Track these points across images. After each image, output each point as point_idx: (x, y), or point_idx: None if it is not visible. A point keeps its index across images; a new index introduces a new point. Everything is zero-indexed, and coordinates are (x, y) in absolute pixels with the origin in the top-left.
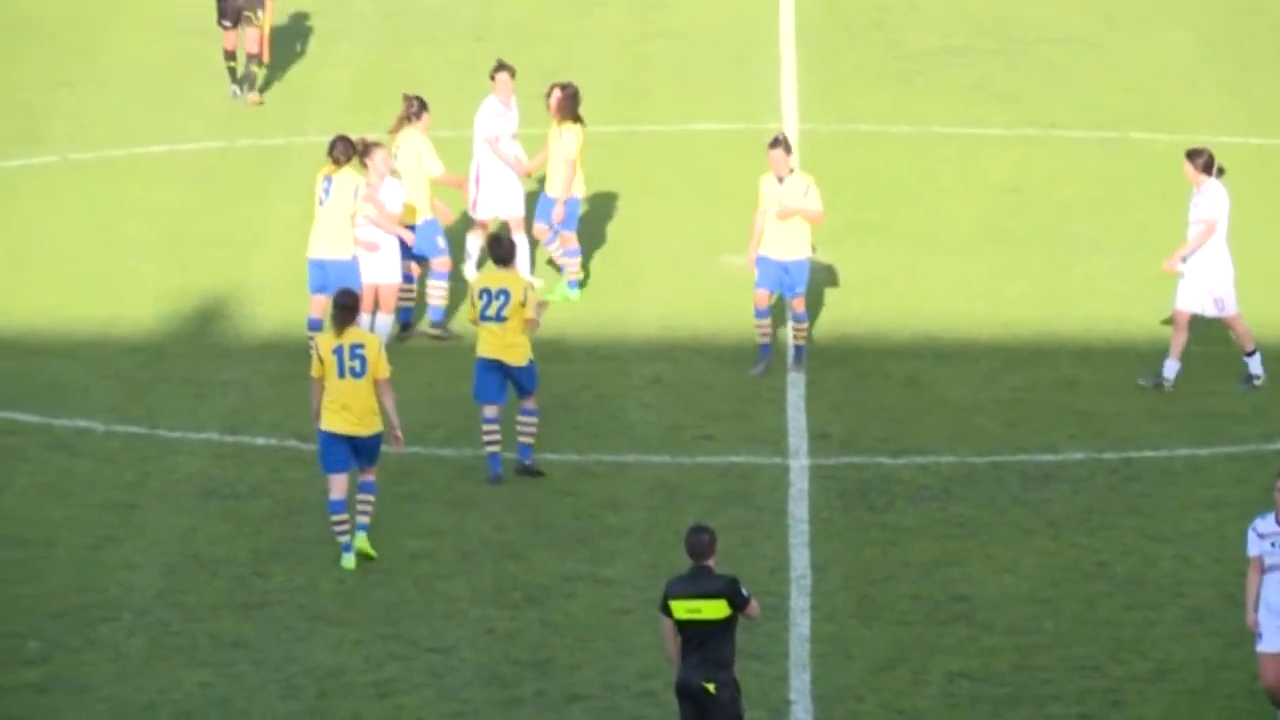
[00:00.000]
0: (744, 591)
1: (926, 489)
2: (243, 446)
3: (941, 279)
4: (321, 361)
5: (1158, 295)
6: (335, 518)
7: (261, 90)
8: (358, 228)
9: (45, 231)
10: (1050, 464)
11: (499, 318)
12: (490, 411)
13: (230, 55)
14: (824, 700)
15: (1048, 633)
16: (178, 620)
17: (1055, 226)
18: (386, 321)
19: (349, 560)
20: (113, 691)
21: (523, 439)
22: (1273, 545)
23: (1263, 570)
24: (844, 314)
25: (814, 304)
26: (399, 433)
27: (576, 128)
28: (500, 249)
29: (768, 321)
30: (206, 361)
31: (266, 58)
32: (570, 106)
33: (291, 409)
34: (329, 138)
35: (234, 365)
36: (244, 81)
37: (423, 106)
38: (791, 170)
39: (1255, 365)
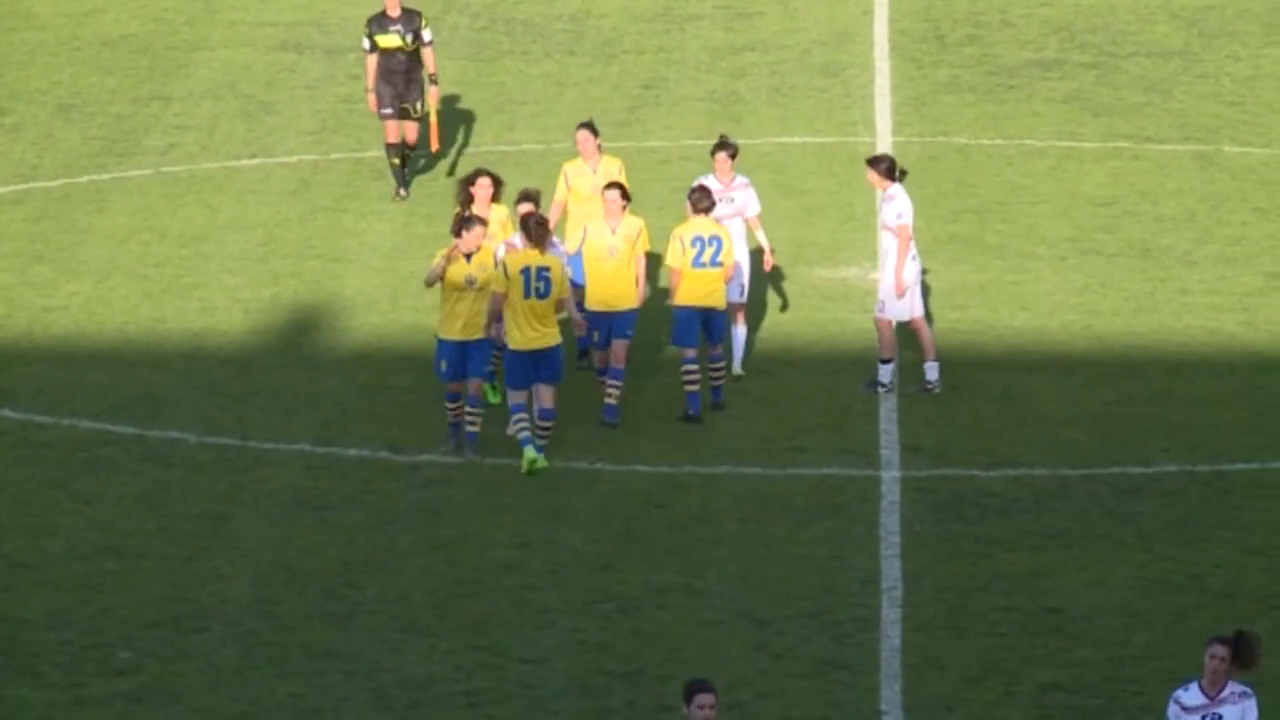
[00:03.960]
0: None
1: (1018, 501)
2: (334, 458)
3: (1034, 292)
4: (508, 279)
5: (1251, 308)
6: (516, 416)
7: (410, 187)
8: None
9: (138, 244)
10: (1143, 476)
11: (714, 263)
12: (691, 354)
13: (394, 149)
14: (915, 711)
15: (1139, 645)
16: (269, 631)
17: (1148, 239)
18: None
19: (530, 452)
20: (204, 702)
21: (717, 382)
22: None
23: None
24: (937, 326)
25: None
26: (577, 319)
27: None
28: (705, 198)
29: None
30: (298, 373)
31: (435, 145)
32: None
33: (384, 420)
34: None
35: (326, 377)
36: (408, 178)
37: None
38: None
39: (885, 374)
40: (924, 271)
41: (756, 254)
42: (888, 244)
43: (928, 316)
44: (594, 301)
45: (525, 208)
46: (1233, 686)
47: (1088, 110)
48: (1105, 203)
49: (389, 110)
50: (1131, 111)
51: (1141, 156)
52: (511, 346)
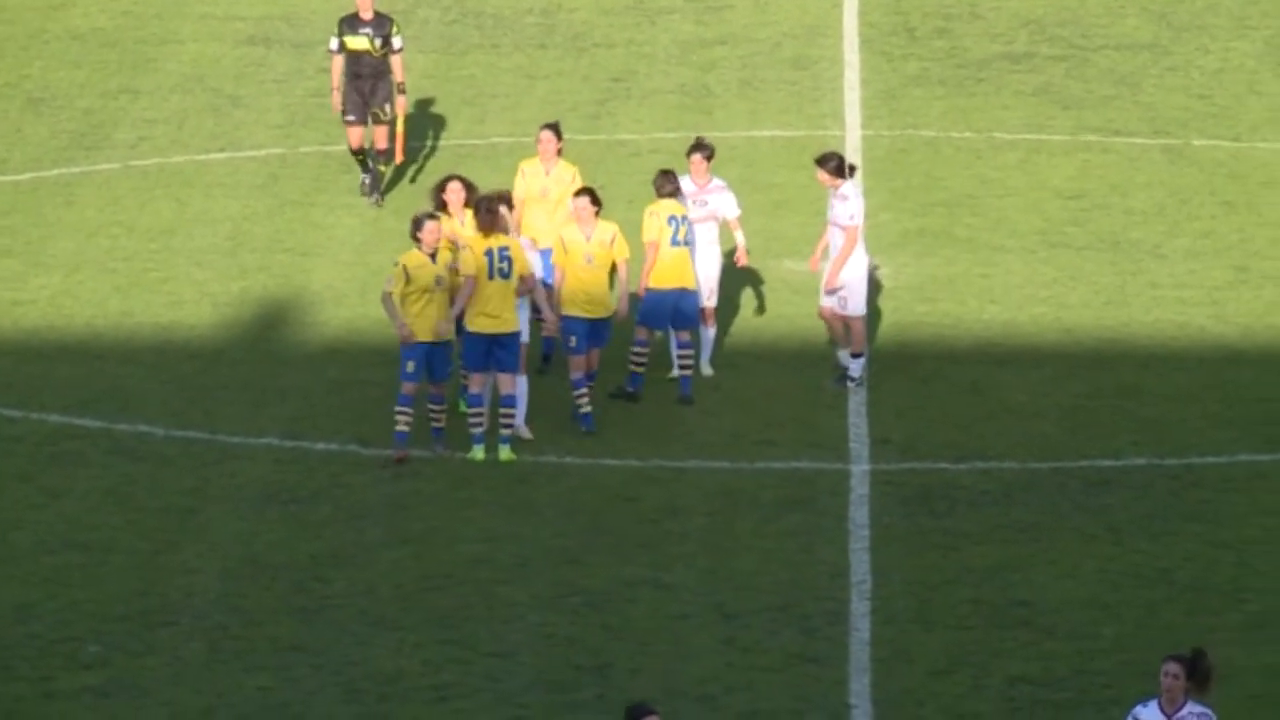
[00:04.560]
0: None
1: (988, 494)
2: (303, 452)
3: (1004, 285)
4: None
5: (1220, 302)
6: (472, 410)
7: (379, 190)
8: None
9: (107, 237)
10: (1112, 470)
11: (688, 242)
12: (645, 335)
13: (357, 153)
14: (884, 704)
15: (1108, 638)
16: (237, 625)
17: (1118, 233)
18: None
19: (478, 452)
20: (172, 695)
21: (686, 370)
22: None
23: None
24: (906, 319)
25: (876, 310)
26: (549, 316)
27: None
28: (668, 183)
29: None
30: (266, 367)
31: (400, 157)
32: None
33: (352, 415)
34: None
35: (294, 371)
36: (373, 181)
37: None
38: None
39: (856, 368)
40: (875, 267)
41: (730, 255)
42: (837, 240)
43: (885, 311)
44: (572, 307)
45: None
46: (1192, 707)
47: (1057, 103)
48: (1074, 196)
49: (353, 117)
50: (1101, 104)
51: (1111, 150)
52: (470, 329)
